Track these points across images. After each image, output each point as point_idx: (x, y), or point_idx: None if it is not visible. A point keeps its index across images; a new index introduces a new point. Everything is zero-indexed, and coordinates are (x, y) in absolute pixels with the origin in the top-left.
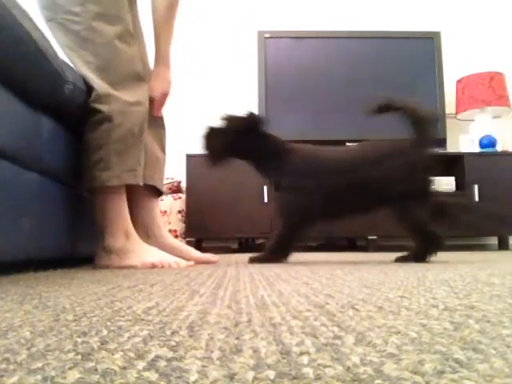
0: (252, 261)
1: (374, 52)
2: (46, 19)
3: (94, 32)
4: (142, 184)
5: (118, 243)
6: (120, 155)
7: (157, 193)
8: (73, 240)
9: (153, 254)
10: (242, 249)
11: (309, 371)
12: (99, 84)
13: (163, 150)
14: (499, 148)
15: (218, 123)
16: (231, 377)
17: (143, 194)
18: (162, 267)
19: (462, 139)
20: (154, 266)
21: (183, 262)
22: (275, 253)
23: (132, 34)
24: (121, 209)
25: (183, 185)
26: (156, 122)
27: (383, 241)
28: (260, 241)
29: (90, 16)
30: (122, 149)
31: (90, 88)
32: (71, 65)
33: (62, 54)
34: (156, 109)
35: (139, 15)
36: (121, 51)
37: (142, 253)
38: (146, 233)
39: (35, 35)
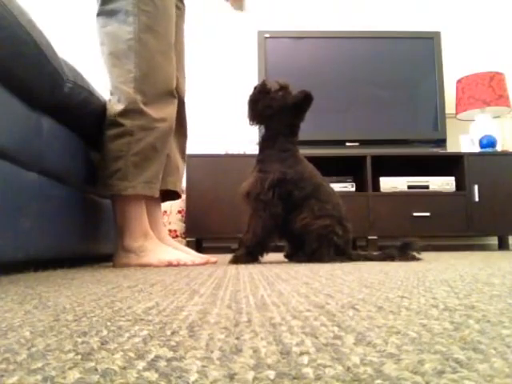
0: (234, 261)
1: (374, 52)
2: (100, 25)
3: (140, 44)
4: (157, 195)
5: (137, 243)
6: (138, 167)
7: (173, 197)
8: (73, 240)
9: (169, 252)
10: None
11: (309, 371)
12: (130, 97)
13: (184, 157)
14: (499, 148)
15: (272, 84)
16: (231, 377)
17: (146, 197)
18: (178, 265)
19: (462, 139)
20: (170, 264)
21: (198, 260)
22: (252, 251)
23: (173, 50)
24: (139, 212)
25: (183, 185)
26: (180, 132)
27: (383, 241)
28: None
29: (140, 28)
30: (140, 161)
31: (111, 99)
32: (108, 74)
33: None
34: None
35: (184, 26)
36: (160, 67)
37: (159, 252)
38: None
39: (35, 35)
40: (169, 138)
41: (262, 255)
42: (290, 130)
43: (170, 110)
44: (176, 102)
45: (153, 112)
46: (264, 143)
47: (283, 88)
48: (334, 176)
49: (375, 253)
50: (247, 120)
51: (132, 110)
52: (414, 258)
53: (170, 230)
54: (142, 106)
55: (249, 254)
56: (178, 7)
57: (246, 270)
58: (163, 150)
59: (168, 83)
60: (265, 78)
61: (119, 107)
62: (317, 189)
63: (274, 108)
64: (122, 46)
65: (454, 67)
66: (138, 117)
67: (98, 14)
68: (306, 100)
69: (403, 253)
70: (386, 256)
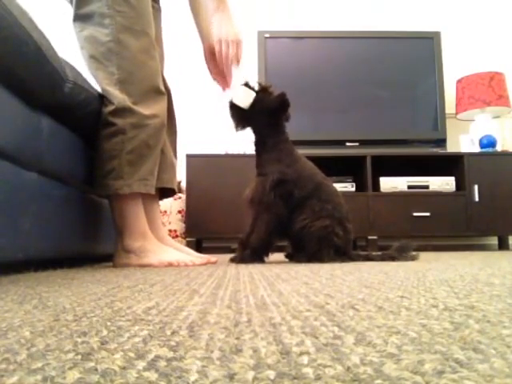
0: (233, 260)
1: (374, 52)
2: (78, 30)
3: (120, 45)
4: (153, 192)
5: (137, 243)
6: (132, 165)
7: (170, 194)
8: (73, 240)
9: (169, 253)
10: None
11: (309, 371)
12: (118, 97)
13: (175, 154)
14: (499, 148)
15: (252, 85)
16: (231, 377)
17: (143, 196)
18: (178, 265)
19: (462, 139)
20: (170, 265)
21: (198, 261)
22: (257, 252)
23: (155, 47)
24: (137, 212)
25: (183, 185)
26: (171, 129)
27: (383, 241)
28: None
29: (118, 29)
30: (134, 159)
31: (103, 99)
32: (93, 78)
33: (86, 67)
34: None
35: (161, 26)
36: (143, 65)
37: (160, 252)
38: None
39: (35, 35)
40: (161, 134)
41: (267, 255)
42: (276, 130)
43: (160, 106)
44: (165, 98)
45: (143, 109)
46: (257, 148)
47: (264, 89)
48: (333, 176)
49: (375, 253)
50: (233, 126)
51: (122, 109)
52: (414, 258)
53: (169, 230)
54: (131, 104)
55: (254, 254)
56: (153, 7)
57: (246, 270)
58: (156, 146)
59: (153, 80)
60: (265, 78)
61: (110, 107)
62: (318, 188)
63: (256, 111)
64: (102, 48)
65: (454, 67)
66: (129, 115)
67: (74, 19)
68: (281, 105)
69: (400, 254)
70: (386, 256)
